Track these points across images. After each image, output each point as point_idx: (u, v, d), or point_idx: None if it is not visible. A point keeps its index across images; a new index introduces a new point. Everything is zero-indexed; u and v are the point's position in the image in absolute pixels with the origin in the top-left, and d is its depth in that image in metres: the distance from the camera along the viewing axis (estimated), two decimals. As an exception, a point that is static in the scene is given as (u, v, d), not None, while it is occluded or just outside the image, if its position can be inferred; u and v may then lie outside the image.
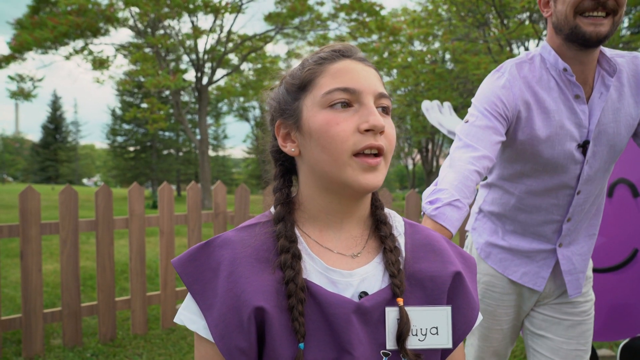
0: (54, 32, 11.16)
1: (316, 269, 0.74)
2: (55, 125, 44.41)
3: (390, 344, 0.72)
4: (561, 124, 1.31)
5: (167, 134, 29.78)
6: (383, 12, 14.04)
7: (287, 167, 0.82)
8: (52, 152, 43.12)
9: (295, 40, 17.25)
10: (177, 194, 29.61)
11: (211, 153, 35.60)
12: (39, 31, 11.33)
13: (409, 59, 15.07)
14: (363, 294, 0.74)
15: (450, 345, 0.75)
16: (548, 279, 1.49)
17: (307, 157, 0.75)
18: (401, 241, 0.81)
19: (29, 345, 2.99)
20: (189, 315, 0.74)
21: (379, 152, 0.72)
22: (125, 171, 29.27)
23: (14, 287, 4.79)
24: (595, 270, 2.51)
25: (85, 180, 58.12)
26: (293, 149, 0.77)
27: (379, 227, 0.80)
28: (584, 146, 1.33)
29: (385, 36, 14.40)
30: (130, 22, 13.18)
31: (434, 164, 24.11)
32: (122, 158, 30.25)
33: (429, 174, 23.98)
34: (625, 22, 10.75)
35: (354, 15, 13.93)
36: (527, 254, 1.48)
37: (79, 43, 12.74)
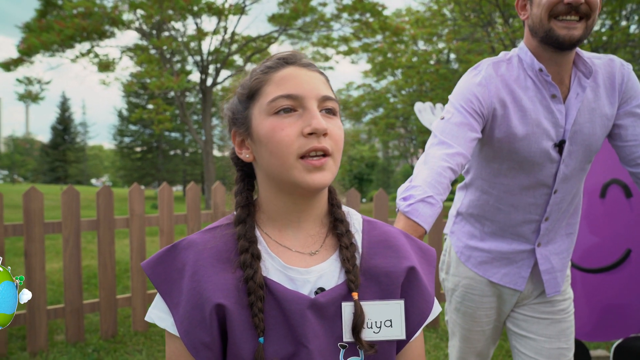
0: (60, 35, 11.28)
1: (276, 267, 0.79)
2: (64, 126, 44.71)
3: (347, 336, 0.76)
4: (538, 122, 1.33)
5: (173, 134, 29.93)
6: (386, 12, 14.03)
7: (247, 172, 0.87)
8: (61, 153, 43.40)
9: (300, 41, 17.29)
10: (183, 194, 29.76)
11: (218, 153, 35.69)
12: (46, 34, 11.46)
13: (414, 59, 15.05)
14: (320, 290, 0.78)
15: (403, 337, 0.79)
16: (527, 279, 1.50)
17: (260, 162, 0.80)
18: (358, 238, 0.84)
19: (34, 341, 3.07)
20: (158, 313, 0.78)
21: (325, 153, 0.76)
22: (132, 172, 29.45)
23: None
24: (588, 271, 2.53)
25: (93, 181, 58.45)
26: (247, 155, 0.82)
27: (336, 225, 0.83)
28: (560, 145, 1.35)
29: (389, 36, 14.39)
30: (136, 24, 13.30)
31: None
32: (129, 159, 30.45)
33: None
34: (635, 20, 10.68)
35: (356, 16, 13.94)
36: (507, 256, 1.49)
37: (86, 45, 12.89)
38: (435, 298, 0.87)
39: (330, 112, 0.79)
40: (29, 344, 3.06)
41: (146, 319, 0.80)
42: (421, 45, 16.72)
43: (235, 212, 0.84)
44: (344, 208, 0.88)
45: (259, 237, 0.82)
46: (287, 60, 0.80)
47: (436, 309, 0.86)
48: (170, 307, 0.77)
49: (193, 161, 31.43)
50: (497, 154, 1.39)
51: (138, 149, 30.72)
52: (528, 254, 1.49)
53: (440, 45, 15.80)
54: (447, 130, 1.26)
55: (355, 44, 15.81)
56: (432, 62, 15.57)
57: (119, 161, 33.07)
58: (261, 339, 0.73)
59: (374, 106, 19.19)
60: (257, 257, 0.77)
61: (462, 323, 1.60)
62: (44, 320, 3.11)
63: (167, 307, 0.77)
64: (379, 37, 15.01)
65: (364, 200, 21.45)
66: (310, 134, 0.74)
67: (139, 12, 12.69)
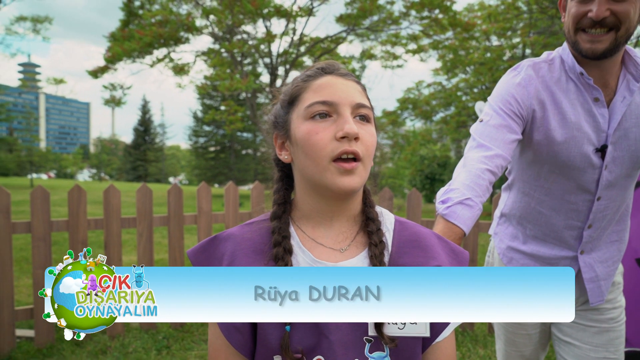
0: (140, 42, 12.10)
1: (306, 261, 0.84)
2: (144, 127, 47.80)
3: (372, 330, 0.80)
4: (578, 126, 1.28)
5: (245, 135, 30.98)
6: (455, 8, 13.61)
7: (287, 173, 0.93)
8: (142, 153, 46.43)
9: (369, 40, 17.20)
10: (254, 193, 30.62)
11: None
12: (128, 43, 12.34)
13: (486, 55, 14.48)
14: None
15: (427, 334, 0.81)
16: None
17: (297, 163, 0.86)
18: (389, 237, 0.88)
19: (112, 325, 3.34)
20: None
21: (356, 158, 0.80)
22: (206, 170, 30.84)
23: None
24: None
25: (171, 179, 61.96)
26: (286, 157, 0.88)
27: (367, 224, 0.87)
28: (602, 150, 1.28)
29: (459, 33, 13.96)
30: (209, 29, 13.92)
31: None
32: (204, 158, 31.91)
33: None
34: None
35: (425, 13, 13.66)
36: (549, 261, 1.44)
37: (163, 51, 13.70)
38: None
39: (364, 118, 0.84)
40: (108, 328, 3.33)
41: None
42: (494, 41, 16.07)
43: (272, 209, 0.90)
44: (377, 208, 0.91)
45: (292, 233, 0.87)
46: (325, 70, 0.86)
47: None
48: None
49: (264, 160, 32.30)
50: (536, 157, 1.35)
51: (212, 149, 32.12)
52: (570, 261, 1.42)
53: (515, 40, 15.09)
54: (486, 133, 1.24)
55: (425, 42, 15.48)
56: (505, 58, 14.92)
57: (194, 160, 34.77)
58: (288, 328, 0.78)
59: (444, 104, 18.68)
60: (288, 250, 0.83)
61: (506, 326, 1.57)
62: (120, 307, 3.36)
63: None
64: (449, 33, 14.60)
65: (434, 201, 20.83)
66: (343, 137, 0.79)
67: (211, 17, 13.27)
